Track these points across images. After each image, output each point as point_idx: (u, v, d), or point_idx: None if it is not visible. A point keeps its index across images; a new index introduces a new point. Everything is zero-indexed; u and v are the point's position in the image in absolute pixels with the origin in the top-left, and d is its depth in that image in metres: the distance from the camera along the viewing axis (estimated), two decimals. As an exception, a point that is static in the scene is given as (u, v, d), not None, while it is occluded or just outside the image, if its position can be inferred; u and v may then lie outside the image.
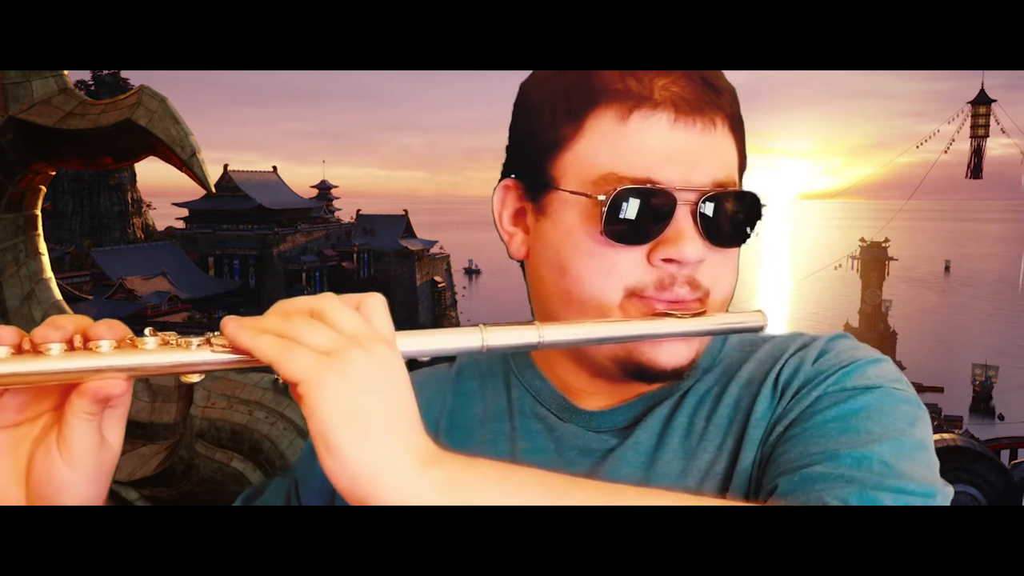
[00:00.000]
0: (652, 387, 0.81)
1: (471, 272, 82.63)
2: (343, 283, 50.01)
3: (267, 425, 3.79)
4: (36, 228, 3.23)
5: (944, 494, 0.65)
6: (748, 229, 0.77)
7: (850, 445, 0.66)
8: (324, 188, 59.91)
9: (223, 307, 44.63)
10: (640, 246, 0.73)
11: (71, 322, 0.57)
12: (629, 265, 0.74)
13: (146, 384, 3.08)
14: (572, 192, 0.75)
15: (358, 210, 57.52)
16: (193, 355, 0.56)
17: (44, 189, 3.23)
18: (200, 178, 2.93)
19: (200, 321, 37.30)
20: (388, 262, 51.53)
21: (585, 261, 0.75)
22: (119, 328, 0.57)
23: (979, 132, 33.43)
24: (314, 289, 48.44)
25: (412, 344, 0.60)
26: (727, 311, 0.79)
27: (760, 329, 0.78)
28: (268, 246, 49.66)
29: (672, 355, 0.75)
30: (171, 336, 0.57)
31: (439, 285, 53.59)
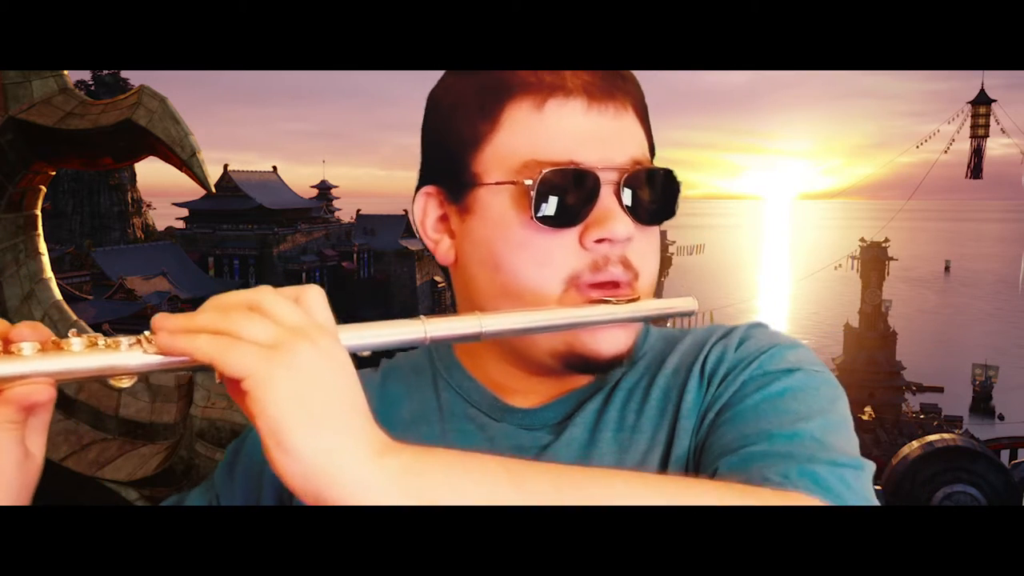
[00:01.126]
0: (583, 381, 0.82)
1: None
2: (343, 283, 50.02)
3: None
4: (36, 228, 3.23)
5: (869, 465, 0.68)
6: (669, 207, 0.78)
7: (781, 424, 0.69)
8: (324, 188, 59.90)
9: (223, 307, 44.51)
10: (571, 229, 0.74)
11: None
12: (563, 251, 0.74)
13: (146, 384, 3.08)
14: (498, 183, 0.75)
15: (358, 210, 57.51)
16: (124, 357, 0.53)
17: (44, 189, 3.23)
18: (200, 178, 2.93)
19: (200, 321, 37.13)
20: (388, 262, 51.52)
21: (519, 252, 0.75)
22: (42, 331, 0.54)
23: (979, 132, 33.43)
24: (314, 289, 48.34)
25: (354, 337, 0.58)
26: (654, 296, 0.80)
27: (692, 313, 0.80)
28: (268, 246, 49.66)
29: (612, 343, 0.76)
30: (99, 337, 0.54)
31: (439, 285, 53.57)
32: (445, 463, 0.53)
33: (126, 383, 0.55)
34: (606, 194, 0.74)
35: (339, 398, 0.52)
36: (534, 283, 0.74)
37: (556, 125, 0.74)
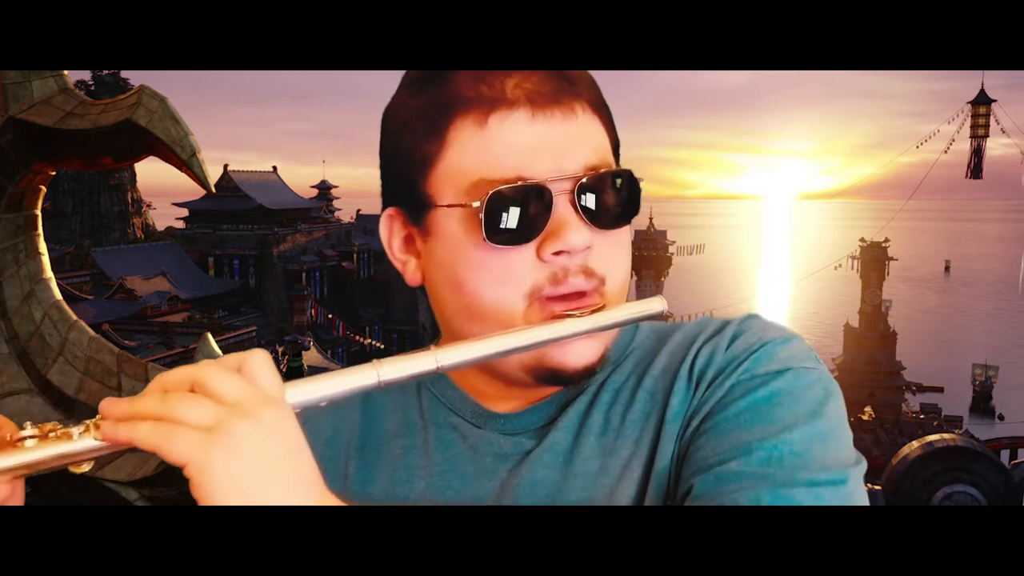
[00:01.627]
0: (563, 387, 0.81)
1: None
2: (343, 283, 50.02)
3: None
4: (36, 228, 3.23)
5: (856, 473, 0.66)
6: (631, 207, 0.76)
7: (761, 435, 0.67)
8: (324, 188, 59.88)
9: (223, 307, 44.65)
10: (526, 245, 0.72)
11: None
12: (521, 267, 0.73)
13: (145, 383, 3.08)
14: (448, 206, 0.74)
15: (358, 210, 57.50)
16: (76, 446, 0.54)
17: (44, 189, 3.23)
18: (200, 178, 2.93)
19: (200, 321, 37.30)
20: (388, 262, 51.13)
21: (478, 272, 0.74)
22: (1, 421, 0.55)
23: (979, 132, 33.43)
24: (314, 289, 48.45)
25: (304, 393, 0.58)
26: (626, 298, 0.78)
27: (661, 314, 0.77)
28: (268, 246, 49.64)
29: (580, 355, 0.74)
30: (52, 426, 0.55)
31: (439, 285, 53.30)
32: None
33: (85, 467, 0.56)
34: (560, 204, 0.72)
35: (282, 476, 0.52)
36: (495, 301, 0.73)
37: (501, 140, 0.72)
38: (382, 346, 41.46)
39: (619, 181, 0.75)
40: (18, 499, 0.57)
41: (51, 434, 0.55)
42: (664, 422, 0.74)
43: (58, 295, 3.30)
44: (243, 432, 0.52)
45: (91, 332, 3.33)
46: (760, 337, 0.75)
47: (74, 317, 3.31)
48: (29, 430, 0.55)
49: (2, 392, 3.11)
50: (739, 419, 0.69)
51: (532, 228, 0.72)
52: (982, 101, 33.67)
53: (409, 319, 48.70)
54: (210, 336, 3.46)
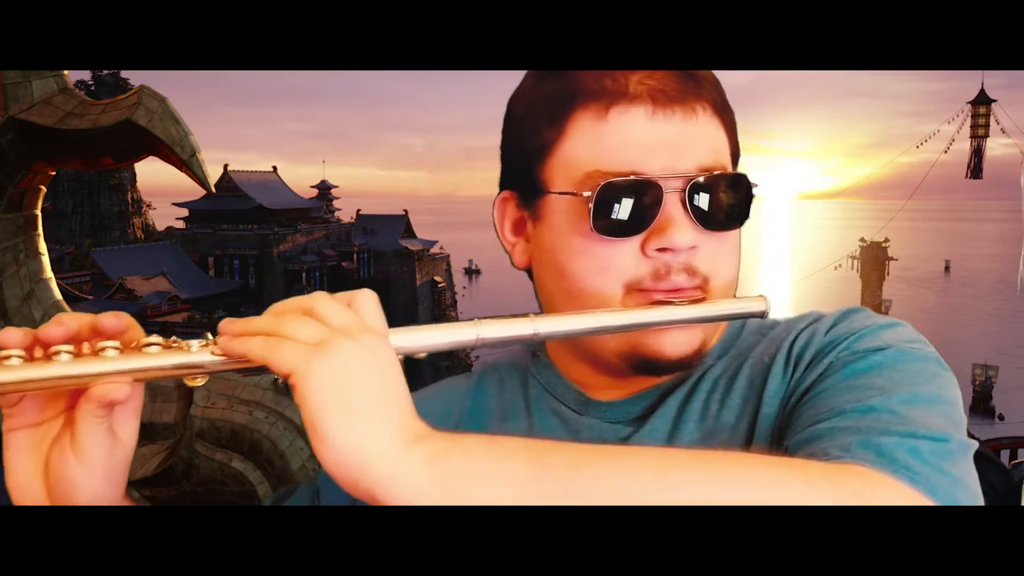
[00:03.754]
0: (664, 379, 0.82)
1: (471, 272, 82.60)
2: (343, 283, 49.99)
3: (267, 425, 3.79)
4: (36, 228, 3.23)
5: (962, 443, 0.63)
6: (741, 211, 0.77)
7: (855, 401, 0.66)
8: (324, 188, 59.89)
9: (223, 307, 44.63)
10: (632, 238, 0.74)
11: (75, 320, 0.59)
12: (623, 259, 0.75)
13: (146, 384, 3.08)
14: (560, 193, 0.77)
15: (358, 210, 57.50)
16: (194, 357, 0.58)
17: (44, 189, 3.23)
18: (200, 178, 2.93)
19: (200, 321, 37.28)
20: (388, 262, 51.51)
21: (580, 260, 0.76)
22: (124, 319, 0.60)
23: (979, 132, 33.40)
24: (314, 289, 48.44)
25: (407, 340, 0.61)
26: (734, 296, 0.79)
27: (762, 314, 0.78)
28: (268, 246, 49.65)
29: (676, 345, 0.76)
30: (173, 340, 0.59)
31: (439, 285, 53.58)
32: (468, 446, 0.55)
33: (200, 381, 0.60)
34: (670, 202, 0.73)
35: (376, 391, 0.55)
36: (595, 289, 0.76)
37: (618, 134, 0.74)
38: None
39: (731, 184, 0.76)
40: (136, 403, 0.61)
41: (173, 346, 0.59)
42: (761, 405, 0.75)
43: (58, 295, 3.30)
44: (345, 348, 0.55)
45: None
46: (864, 322, 0.76)
47: (74, 317, 3.31)
48: (154, 338, 0.59)
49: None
50: (836, 387, 0.69)
51: (639, 222, 0.74)
52: (982, 101, 33.66)
53: (409, 319, 48.66)
54: (210, 336, 3.45)
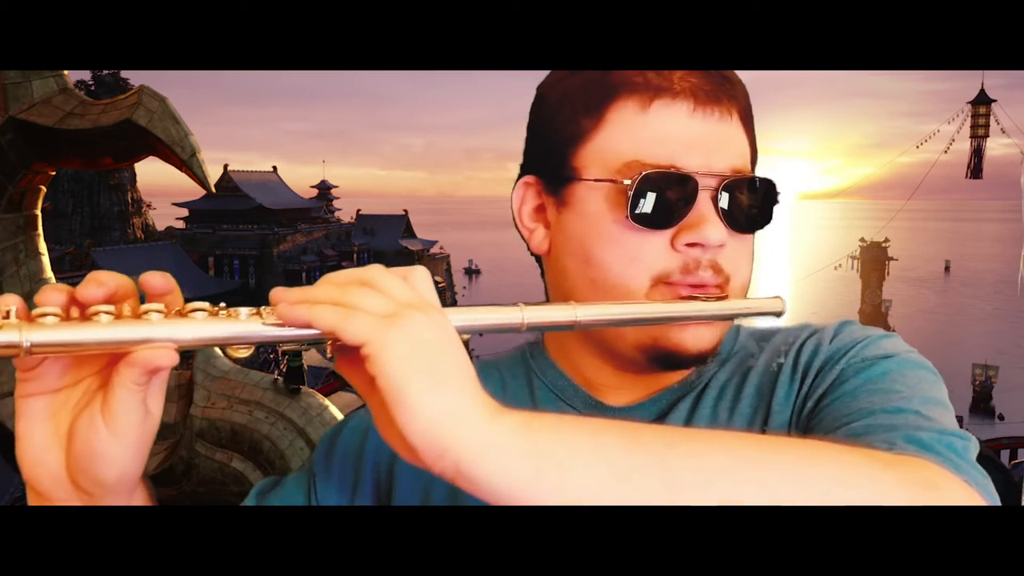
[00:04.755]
0: (675, 378, 0.83)
1: (471, 272, 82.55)
2: (343, 283, 49.82)
3: (267, 425, 3.79)
4: (36, 228, 3.23)
5: (975, 440, 0.66)
6: (766, 215, 0.79)
7: (882, 403, 0.69)
8: (324, 188, 59.90)
9: (223, 307, 44.54)
10: (664, 231, 0.75)
11: (114, 279, 0.55)
12: (654, 251, 0.75)
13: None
14: (596, 180, 0.77)
15: (358, 210, 57.53)
16: (243, 327, 0.55)
17: (44, 189, 3.23)
18: (200, 178, 2.93)
19: (200, 321, 37.13)
20: (388, 262, 51.10)
21: (610, 248, 0.76)
22: (170, 281, 0.56)
23: (979, 132, 33.40)
24: (314, 289, 48.35)
25: (460, 319, 0.60)
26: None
27: (780, 313, 0.80)
28: (268, 246, 49.65)
29: (698, 339, 0.77)
30: (220, 308, 0.55)
31: (439, 285, 53.34)
32: (557, 420, 0.55)
33: (243, 353, 0.57)
34: (703, 199, 0.75)
35: (454, 363, 0.54)
36: (622, 279, 0.76)
37: (660, 127, 0.75)
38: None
39: (761, 188, 0.78)
40: (166, 375, 0.57)
41: (220, 313, 0.55)
42: (771, 414, 0.77)
43: (58, 295, 3.30)
44: (418, 321, 0.54)
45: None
46: (864, 332, 0.79)
47: (74, 317, 3.30)
48: (199, 304, 0.55)
49: (2, 392, 3.11)
50: (856, 392, 0.72)
51: (674, 216, 0.75)
52: (982, 101, 33.66)
53: (409, 319, 48.44)
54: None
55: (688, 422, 0.80)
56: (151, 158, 3.10)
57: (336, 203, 60.34)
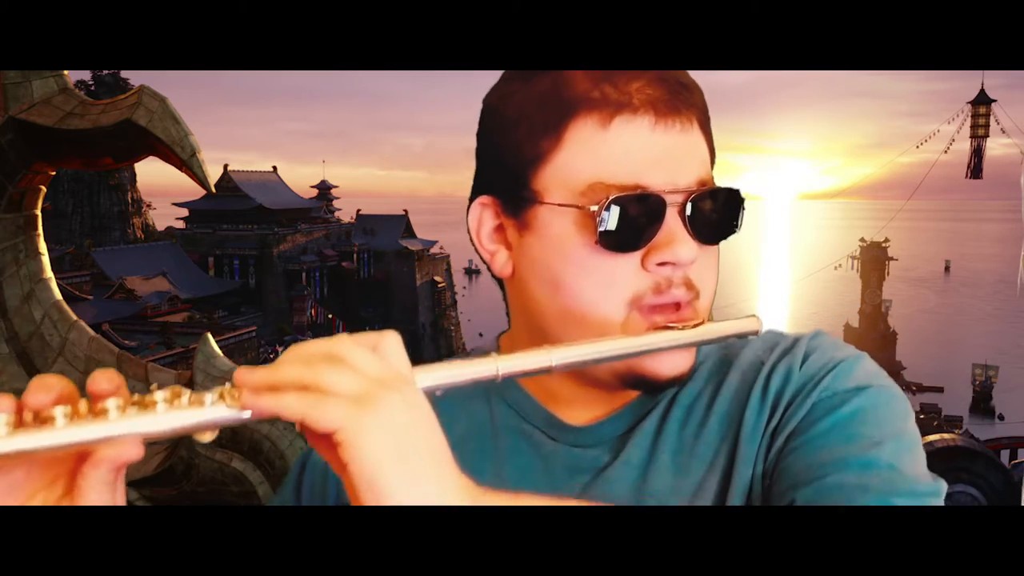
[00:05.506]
0: (639, 394, 0.80)
1: (471, 272, 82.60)
2: (343, 283, 49.99)
3: (267, 425, 3.79)
4: (36, 228, 3.23)
5: (943, 489, 0.67)
6: (732, 224, 0.77)
7: (855, 452, 0.67)
8: (324, 188, 59.88)
9: (223, 307, 44.63)
10: (634, 252, 0.73)
11: (58, 381, 0.53)
12: (625, 274, 0.73)
13: (145, 383, 3.08)
14: (560, 205, 0.74)
15: (358, 210, 57.50)
16: (208, 413, 0.53)
17: (44, 189, 3.23)
18: (200, 178, 2.93)
19: (200, 321, 37.27)
20: (388, 262, 51.50)
21: (581, 274, 0.74)
22: (116, 378, 0.53)
23: (979, 132, 33.38)
24: (314, 289, 48.42)
25: (428, 379, 0.59)
26: (711, 310, 0.79)
27: (756, 333, 0.77)
28: (268, 246, 49.64)
29: (673, 365, 0.75)
30: (180, 390, 0.53)
31: (439, 285, 53.55)
32: (536, 502, 0.55)
33: (209, 437, 0.55)
34: (671, 217, 0.73)
35: (429, 447, 0.53)
36: (596, 305, 0.74)
37: (622, 145, 0.72)
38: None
39: (727, 199, 0.76)
40: (137, 455, 0.54)
41: (183, 398, 0.53)
42: (739, 443, 0.74)
43: (58, 295, 3.30)
44: (392, 403, 0.52)
45: (91, 332, 3.33)
46: (832, 356, 0.76)
47: (74, 317, 3.31)
48: (159, 393, 0.52)
49: (2, 392, 3.11)
50: (828, 436, 0.70)
51: (643, 237, 0.72)
52: (982, 101, 33.64)
53: (409, 319, 48.66)
54: (210, 336, 3.46)
55: (654, 444, 0.77)
56: (151, 158, 3.10)
57: (336, 203, 60.33)
